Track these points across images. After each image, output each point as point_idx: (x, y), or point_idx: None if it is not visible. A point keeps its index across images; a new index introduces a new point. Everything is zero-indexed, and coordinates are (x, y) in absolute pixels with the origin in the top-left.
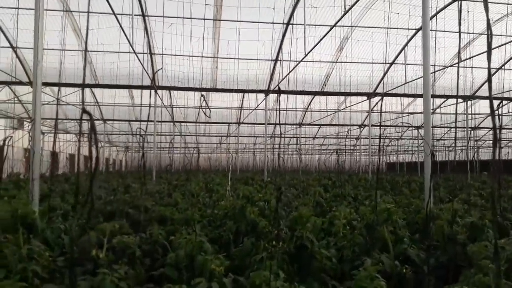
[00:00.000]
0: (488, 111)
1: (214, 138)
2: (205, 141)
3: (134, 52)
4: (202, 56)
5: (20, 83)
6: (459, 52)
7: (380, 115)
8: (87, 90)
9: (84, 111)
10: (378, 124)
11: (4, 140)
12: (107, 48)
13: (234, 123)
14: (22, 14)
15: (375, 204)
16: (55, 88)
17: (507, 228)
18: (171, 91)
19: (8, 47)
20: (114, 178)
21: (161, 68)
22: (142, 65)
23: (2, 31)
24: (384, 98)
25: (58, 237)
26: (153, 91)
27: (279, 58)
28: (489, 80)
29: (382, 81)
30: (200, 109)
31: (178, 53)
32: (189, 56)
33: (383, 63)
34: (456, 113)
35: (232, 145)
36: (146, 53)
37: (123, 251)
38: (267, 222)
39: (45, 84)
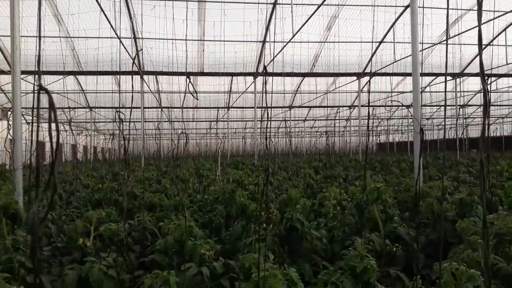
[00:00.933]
0: (477, 88)
1: (204, 124)
2: (194, 126)
3: (118, 37)
4: (187, 39)
5: (1, 72)
6: (447, 30)
7: (369, 94)
8: (71, 77)
9: (40, 88)
10: (367, 104)
11: None
12: (89, 33)
13: (223, 107)
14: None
15: (365, 184)
16: (43, 77)
17: (496, 204)
18: (157, 76)
19: None
20: (102, 166)
21: (141, 50)
22: (126, 50)
23: None
24: (374, 77)
25: (45, 227)
26: (138, 77)
27: (267, 40)
28: (480, 55)
29: (371, 61)
30: (187, 93)
31: (162, 37)
32: (174, 39)
33: (371, 42)
34: (445, 91)
35: (222, 130)
36: (130, 38)
37: (111, 239)
38: (257, 206)
39: (26, 72)
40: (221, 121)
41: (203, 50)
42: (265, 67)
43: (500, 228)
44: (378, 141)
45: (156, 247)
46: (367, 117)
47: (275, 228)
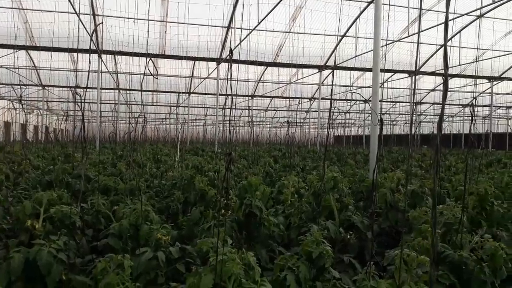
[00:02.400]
0: (431, 87)
1: (163, 108)
2: (153, 111)
3: (75, 13)
4: (149, 20)
5: None
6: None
7: (332, 87)
8: (22, 52)
9: None
10: (328, 97)
11: None
12: (44, 6)
13: (184, 92)
14: None
15: (323, 172)
16: None
17: (444, 196)
18: (116, 56)
19: None
20: (54, 147)
21: (101, 23)
22: (84, 26)
23: None
24: (335, 71)
25: None
26: (96, 56)
27: (232, 26)
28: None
29: (333, 54)
30: (147, 75)
31: (123, 15)
32: (136, 18)
33: (335, 35)
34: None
35: (182, 116)
36: (88, 14)
37: (62, 221)
38: (216, 191)
39: None
40: (182, 106)
41: (166, 31)
42: (231, 50)
43: (448, 218)
44: (334, 134)
45: (110, 231)
46: (326, 110)
47: (233, 214)
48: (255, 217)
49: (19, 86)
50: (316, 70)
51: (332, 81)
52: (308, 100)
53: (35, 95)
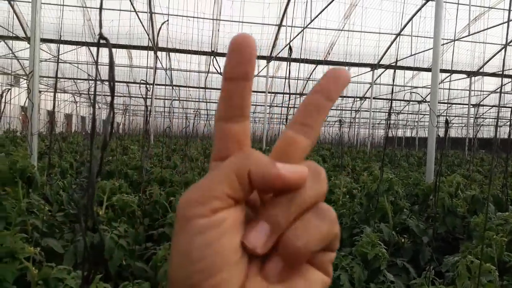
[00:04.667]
0: (492, 88)
1: (214, 105)
2: (205, 107)
3: (135, 11)
4: (203, 18)
5: (17, 38)
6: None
7: (393, 88)
8: (84, 49)
9: (101, 37)
10: (380, 96)
11: (1, 94)
12: (107, 5)
13: None
14: None
15: (381, 173)
16: (52, 46)
17: (507, 203)
18: (170, 54)
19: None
20: (112, 139)
21: (167, 21)
22: (142, 24)
23: None
24: (387, 70)
25: (57, 194)
26: (152, 53)
27: (283, 23)
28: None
29: (387, 52)
30: (210, 73)
31: (180, 13)
32: (192, 17)
33: (390, 33)
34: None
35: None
36: (146, 12)
37: (123, 209)
38: None
39: (43, 40)
40: None
41: (218, 30)
42: (290, 48)
43: None
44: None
45: (167, 221)
46: (378, 110)
47: None
48: None
49: (82, 81)
50: (369, 69)
51: (393, 80)
52: (359, 99)
53: (97, 90)
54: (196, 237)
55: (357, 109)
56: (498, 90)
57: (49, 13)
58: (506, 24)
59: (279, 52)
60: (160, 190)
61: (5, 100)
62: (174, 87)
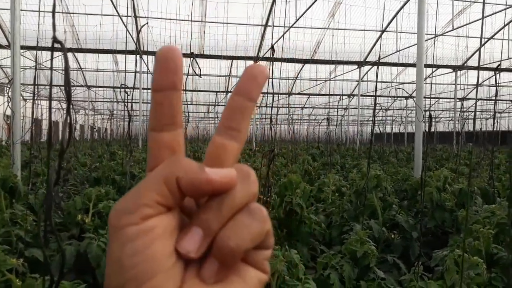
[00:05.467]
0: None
1: (202, 107)
2: (192, 110)
3: (118, 15)
4: (189, 20)
5: None
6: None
7: (376, 85)
8: (69, 55)
9: (55, 40)
10: (368, 93)
11: None
12: (89, 10)
13: (222, 91)
14: None
15: (367, 170)
16: (38, 53)
17: (495, 196)
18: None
19: None
20: (99, 145)
21: (146, 24)
22: (126, 28)
23: None
24: (374, 67)
25: (41, 202)
26: (138, 56)
27: (269, 23)
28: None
29: (374, 49)
30: (190, 75)
31: (164, 16)
32: (176, 20)
33: (375, 30)
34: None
35: (220, 114)
36: (130, 16)
37: None
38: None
39: (24, 47)
40: (220, 105)
41: (204, 31)
42: (272, 47)
43: (502, 218)
44: (374, 131)
45: None
46: (366, 107)
47: (273, 212)
48: (296, 215)
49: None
50: (356, 66)
51: (377, 77)
52: (346, 97)
53: (81, 95)
54: (127, 245)
55: (345, 106)
56: (481, 83)
57: (31, 20)
58: (488, 17)
59: (266, 53)
60: None
61: None
62: None
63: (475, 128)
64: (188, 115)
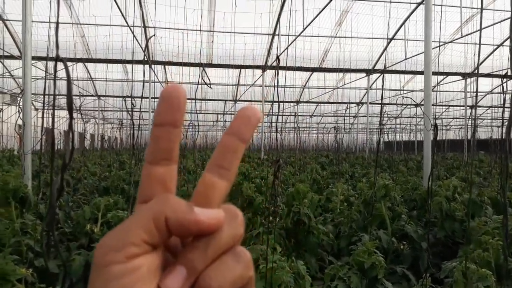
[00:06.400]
0: (487, 89)
1: (210, 116)
2: (201, 118)
3: (128, 25)
4: (197, 30)
5: (11, 57)
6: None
7: (382, 92)
8: (80, 64)
9: (58, 59)
10: (377, 101)
11: None
12: (99, 20)
13: (230, 100)
14: None
15: (374, 179)
16: (49, 63)
17: (506, 206)
18: (166, 66)
19: None
20: (109, 154)
21: (154, 35)
22: (136, 38)
23: None
24: (383, 75)
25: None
26: (147, 66)
27: (277, 32)
28: None
29: (382, 57)
30: (200, 83)
31: (172, 26)
32: (184, 29)
33: (383, 38)
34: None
35: (229, 123)
36: (139, 26)
37: None
38: (264, 198)
39: (36, 58)
40: (228, 114)
41: (212, 41)
42: (277, 57)
43: None
44: (384, 140)
45: None
46: (376, 115)
47: (281, 221)
48: (304, 225)
49: (79, 97)
50: (364, 74)
51: (382, 85)
52: (355, 105)
53: (91, 105)
54: (111, 283)
55: (354, 115)
56: (493, 90)
57: (42, 31)
58: (498, 24)
59: (273, 62)
60: None
61: (2, 120)
62: None
63: (475, 136)
64: (198, 124)
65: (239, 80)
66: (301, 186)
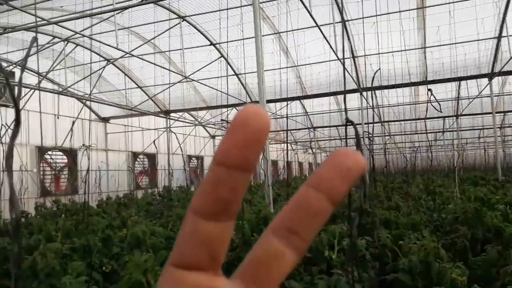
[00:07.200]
0: None
1: (428, 135)
2: (417, 139)
3: (338, 59)
4: (407, 50)
5: (245, 104)
6: None
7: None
8: (297, 102)
9: (347, 120)
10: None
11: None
12: (312, 60)
13: (451, 116)
14: (237, 45)
15: None
16: (271, 105)
17: None
18: (376, 91)
19: (232, 75)
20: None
21: (379, 69)
22: (346, 70)
23: (228, 63)
24: None
25: None
26: (358, 94)
27: (503, 34)
28: None
29: None
30: (428, 102)
31: (381, 51)
32: (393, 52)
33: None
34: None
35: (451, 141)
36: (348, 58)
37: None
38: None
39: (267, 101)
40: (449, 131)
41: (425, 58)
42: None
43: None
44: None
45: (400, 266)
46: None
47: None
48: None
49: (296, 131)
50: None
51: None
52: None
53: (307, 137)
54: None
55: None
56: None
57: (267, 78)
58: None
59: (504, 66)
60: (386, 232)
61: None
62: (384, 123)
63: None
64: (419, 145)
65: (458, 93)
66: None
